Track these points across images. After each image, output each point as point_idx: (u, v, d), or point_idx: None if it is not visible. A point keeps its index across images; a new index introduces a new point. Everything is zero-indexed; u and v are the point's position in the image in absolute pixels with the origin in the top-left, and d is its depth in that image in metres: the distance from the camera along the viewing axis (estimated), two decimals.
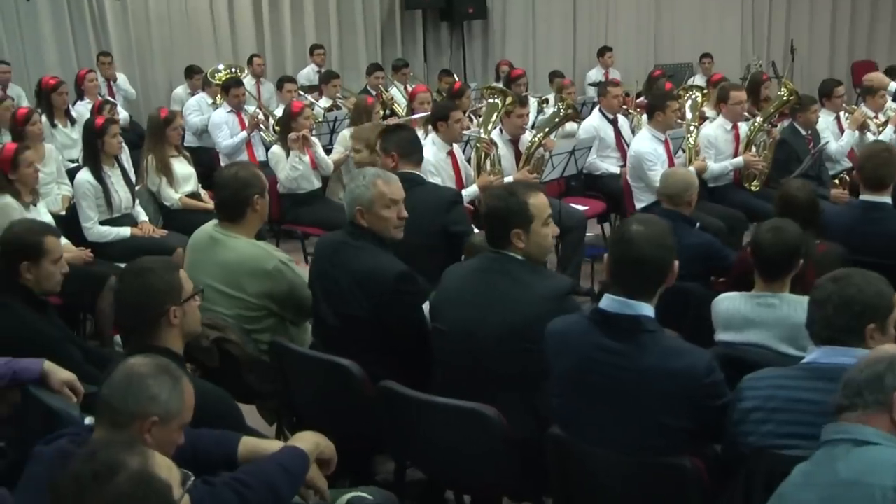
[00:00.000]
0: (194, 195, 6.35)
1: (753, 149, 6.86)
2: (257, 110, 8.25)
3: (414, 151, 4.67)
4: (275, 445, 2.52)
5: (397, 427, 3.15)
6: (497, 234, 3.13)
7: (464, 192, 5.86)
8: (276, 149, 6.81)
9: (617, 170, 7.54)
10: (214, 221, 3.93)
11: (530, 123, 7.34)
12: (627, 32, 13.19)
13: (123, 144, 5.99)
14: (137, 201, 5.89)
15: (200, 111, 8.80)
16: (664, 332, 2.66)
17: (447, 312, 3.17)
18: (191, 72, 10.06)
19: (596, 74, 12.03)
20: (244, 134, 7.96)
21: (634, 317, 2.62)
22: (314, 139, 6.93)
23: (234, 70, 8.87)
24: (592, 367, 2.65)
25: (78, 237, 5.50)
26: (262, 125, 8.10)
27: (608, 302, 2.66)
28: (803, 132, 7.31)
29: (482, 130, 6.18)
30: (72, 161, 7.04)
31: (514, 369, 3.03)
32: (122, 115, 8.37)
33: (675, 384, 2.55)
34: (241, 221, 3.80)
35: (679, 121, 6.67)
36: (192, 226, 5.96)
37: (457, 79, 11.07)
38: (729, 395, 2.65)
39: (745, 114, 7.01)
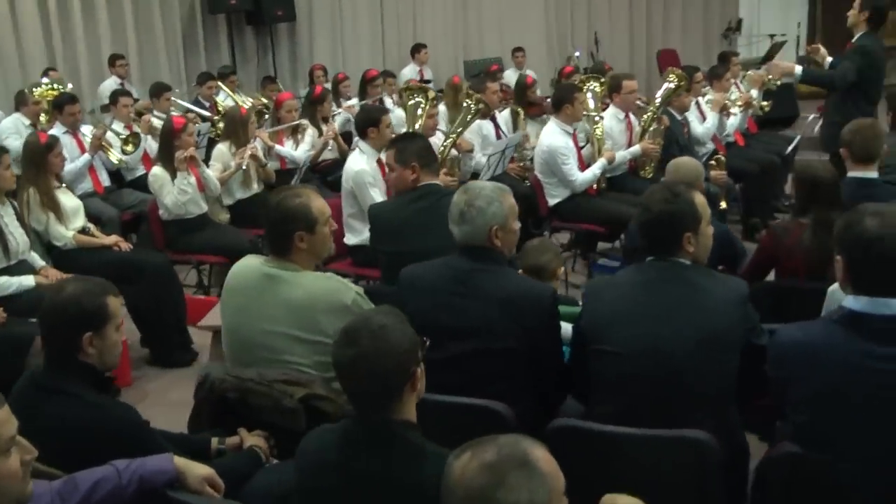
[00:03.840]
0: (83, 231, 5.45)
1: (646, 136, 6.91)
2: (95, 129, 7.26)
3: (434, 160, 4.24)
4: None
5: (575, 472, 2.74)
6: (667, 239, 2.81)
7: None
8: (159, 171, 5.99)
9: None
10: (257, 257, 3.29)
11: None
12: (435, 29, 13.04)
13: None
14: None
15: (19, 134, 7.63)
16: None
17: (617, 332, 2.79)
18: None
19: (410, 72, 11.80)
20: (87, 157, 6.99)
21: None
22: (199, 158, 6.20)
23: (56, 86, 7.76)
24: (861, 379, 2.38)
25: None
26: (105, 145, 7.16)
27: (863, 304, 2.42)
28: (678, 117, 7.48)
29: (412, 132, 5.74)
30: None
31: (709, 385, 2.73)
32: None
33: None
34: (290, 256, 3.20)
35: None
36: (89, 267, 5.20)
37: (280, 85, 10.50)
38: None
39: (639, 103, 7.04)
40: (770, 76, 6.83)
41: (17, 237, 4.76)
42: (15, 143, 7.44)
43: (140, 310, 5.30)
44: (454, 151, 6.22)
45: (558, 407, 3.16)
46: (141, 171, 7.53)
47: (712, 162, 7.30)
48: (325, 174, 7.56)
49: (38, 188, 5.18)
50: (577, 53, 11.03)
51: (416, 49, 11.92)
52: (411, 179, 4.12)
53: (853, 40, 6.31)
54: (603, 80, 6.96)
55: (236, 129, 6.63)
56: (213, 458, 2.95)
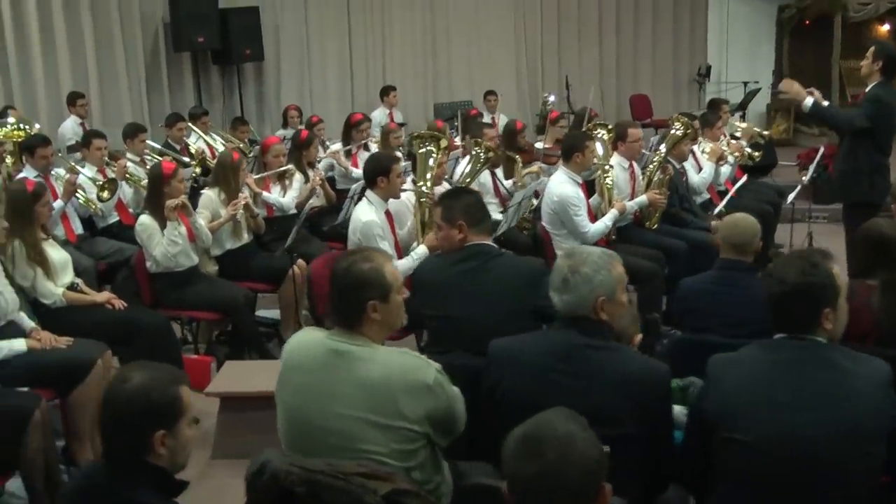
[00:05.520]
0: (72, 286, 5.00)
1: (652, 186, 6.70)
2: (67, 174, 6.79)
3: (485, 218, 3.93)
4: None
5: None
6: (804, 316, 2.52)
7: (416, 252, 5.12)
8: (147, 220, 5.56)
9: (499, 216, 7.07)
10: (319, 330, 2.92)
11: None
12: (404, 71, 12.78)
13: None
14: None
15: None
16: None
17: (747, 418, 2.48)
18: None
19: (380, 115, 11.49)
20: (60, 203, 6.47)
21: None
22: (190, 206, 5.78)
23: (23, 127, 7.26)
24: None
25: None
26: (80, 190, 6.70)
27: None
28: (677, 165, 7.29)
29: (422, 183, 5.43)
30: None
31: (853, 479, 2.43)
32: None
33: None
34: (360, 328, 2.83)
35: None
36: (81, 328, 4.75)
37: (251, 127, 10.12)
38: None
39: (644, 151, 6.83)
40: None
41: (6, 295, 4.31)
42: None
43: None
44: None
45: (660, 496, 2.85)
46: (114, 219, 7.10)
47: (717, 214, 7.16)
48: (317, 223, 7.17)
49: (25, 241, 4.71)
50: (551, 98, 10.84)
51: (386, 91, 11.62)
52: (458, 239, 3.80)
53: (866, 90, 6.20)
54: (611, 127, 6.72)
55: (227, 175, 6.23)
56: None
